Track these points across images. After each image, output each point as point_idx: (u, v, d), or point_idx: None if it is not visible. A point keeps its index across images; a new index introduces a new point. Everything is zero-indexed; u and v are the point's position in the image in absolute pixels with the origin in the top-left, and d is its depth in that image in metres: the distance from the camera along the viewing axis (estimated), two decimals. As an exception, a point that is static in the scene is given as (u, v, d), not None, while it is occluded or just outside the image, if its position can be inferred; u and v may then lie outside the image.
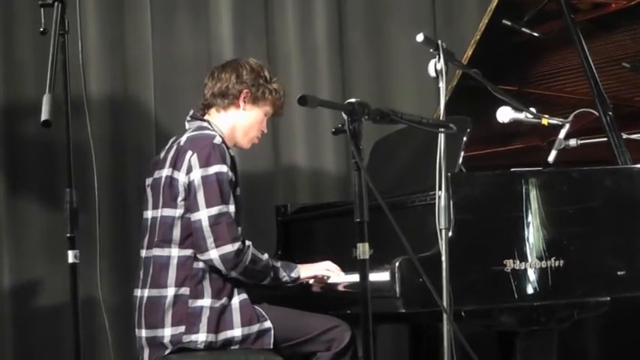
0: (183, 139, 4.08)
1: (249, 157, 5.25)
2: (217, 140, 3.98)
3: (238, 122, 4.18)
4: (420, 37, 3.62)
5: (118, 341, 4.58)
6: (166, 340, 3.92)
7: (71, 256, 3.32)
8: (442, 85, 3.62)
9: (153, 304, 3.96)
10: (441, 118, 3.62)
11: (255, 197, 5.31)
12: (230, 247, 3.88)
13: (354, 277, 3.92)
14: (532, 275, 3.76)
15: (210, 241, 3.89)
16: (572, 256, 3.82)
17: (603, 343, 5.68)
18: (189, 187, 3.94)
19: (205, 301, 3.92)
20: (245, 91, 4.15)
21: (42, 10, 3.41)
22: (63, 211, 3.33)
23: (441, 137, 3.53)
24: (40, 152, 4.99)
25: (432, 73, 3.65)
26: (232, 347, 3.92)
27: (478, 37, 4.55)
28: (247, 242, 3.95)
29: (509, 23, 4.61)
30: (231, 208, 3.92)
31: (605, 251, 3.90)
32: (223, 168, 3.94)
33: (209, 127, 4.11)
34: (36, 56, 4.97)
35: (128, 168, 5.11)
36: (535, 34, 4.67)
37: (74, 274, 3.33)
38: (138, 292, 4.05)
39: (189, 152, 3.98)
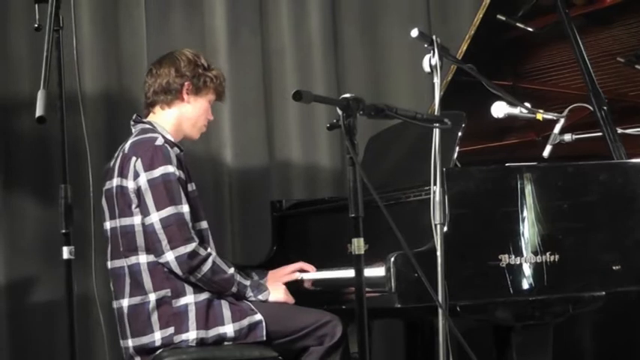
0: (127, 145, 4.04)
1: (244, 153, 5.24)
2: (159, 142, 3.96)
3: (184, 115, 4.13)
4: (414, 33, 3.63)
5: (113, 338, 4.57)
6: (157, 344, 3.90)
7: (66, 252, 3.31)
8: (437, 80, 3.62)
9: (136, 312, 3.95)
10: (435, 113, 3.62)
11: (250, 193, 5.31)
12: (183, 249, 3.85)
13: (345, 273, 3.94)
14: (527, 270, 3.77)
15: (164, 243, 3.86)
16: (568, 250, 3.83)
17: (599, 337, 5.68)
18: (139, 193, 3.92)
19: (188, 298, 3.90)
20: (186, 83, 4.11)
21: (36, 6, 3.40)
22: (58, 207, 3.33)
23: (436, 132, 3.54)
24: (35, 148, 4.97)
25: (427, 69, 3.65)
26: (226, 344, 3.91)
27: (472, 32, 4.56)
28: (209, 251, 3.91)
29: (503, 18, 4.61)
30: (184, 208, 3.89)
31: (600, 246, 3.91)
32: (169, 168, 3.91)
33: (152, 128, 4.08)
34: (30, 52, 4.96)
35: (123, 164, 5.09)
36: (529, 29, 4.67)
37: (69, 270, 3.31)
38: (115, 304, 4.03)
39: (134, 158, 3.95)
